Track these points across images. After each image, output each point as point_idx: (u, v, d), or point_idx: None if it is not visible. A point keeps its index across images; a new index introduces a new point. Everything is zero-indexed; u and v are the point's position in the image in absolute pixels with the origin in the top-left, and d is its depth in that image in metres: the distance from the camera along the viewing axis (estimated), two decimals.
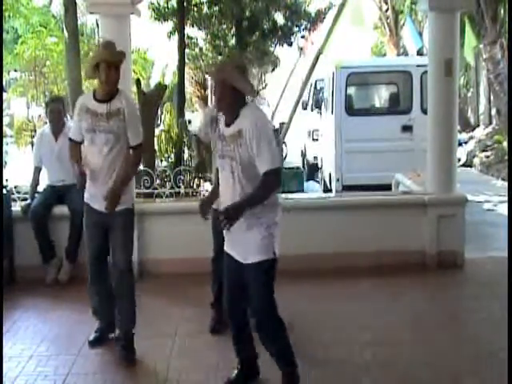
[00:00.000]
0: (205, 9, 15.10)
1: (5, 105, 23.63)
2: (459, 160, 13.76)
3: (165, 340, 4.44)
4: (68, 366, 4.06)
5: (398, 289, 5.53)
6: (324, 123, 11.59)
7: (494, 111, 19.14)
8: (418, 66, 10.10)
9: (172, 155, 8.46)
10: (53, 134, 5.95)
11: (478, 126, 20.46)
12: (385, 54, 24.61)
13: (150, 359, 4.17)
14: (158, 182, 6.99)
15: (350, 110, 10.54)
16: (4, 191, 5.74)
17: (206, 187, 7.78)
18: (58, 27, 21.97)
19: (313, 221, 6.06)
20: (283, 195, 7.41)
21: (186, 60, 13.66)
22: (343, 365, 4.05)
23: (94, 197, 4.12)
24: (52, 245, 5.84)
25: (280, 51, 17.38)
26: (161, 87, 8.48)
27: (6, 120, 22.65)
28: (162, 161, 8.48)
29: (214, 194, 3.72)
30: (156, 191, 6.66)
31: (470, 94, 22.09)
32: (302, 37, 16.44)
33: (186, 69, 13.78)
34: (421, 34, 15.54)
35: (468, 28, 11.94)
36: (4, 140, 14.12)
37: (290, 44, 16.19)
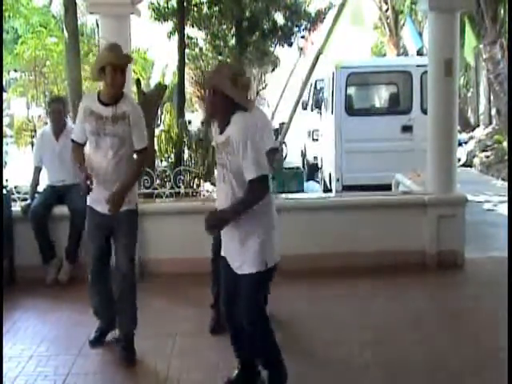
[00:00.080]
0: (205, 9, 15.11)
1: (5, 105, 23.63)
2: (459, 160, 13.76)
3: (165, 340, 4.44)
4: (68, 366, 4.06)
5: (398, 289, 5.54)
6: (324, 123, 11.59)
7: (493, 111, 19.15)
8: (418, 66, 10.10)
9: (172, 155, 8.46)
10: (54, 134, 5.96)
11: (478, 126, 20.46)
12: (385, 54, 24.62)
13: (150, 359, 4.17)
14: (158, 182, 6.98)
15: (350, 110, 10.54)
16: (4, 191, 5.75)
17: (206, 187, 7.79)
18: (57, 27, 21.96)
19: (313, 221, 6.06)
20: (283, 195, 7.44)
21: (186, 60, 13.67)
22: (343, 365, 4.05)
23: (98, 199, 4.10)
24: (52, 245, 5.84)
25: (280, 51, 17.42)
26: (161, 87, 8.48)
27: (6, 120, 22.66)
28: (161, 161, 8.48)
29: None
30: (156, 191, 6.66)
31: (469, 94, 22.10)
32: (302, 37, 16.47)
33: (186, 69, 13.78)
34: (421, 34, 15.54)
35: (468, 28, 11.93)
36: (4, 140, 14.13)
37: (290, 44, 16.21)
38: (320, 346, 4.34)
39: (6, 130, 20.65)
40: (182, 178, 7.08)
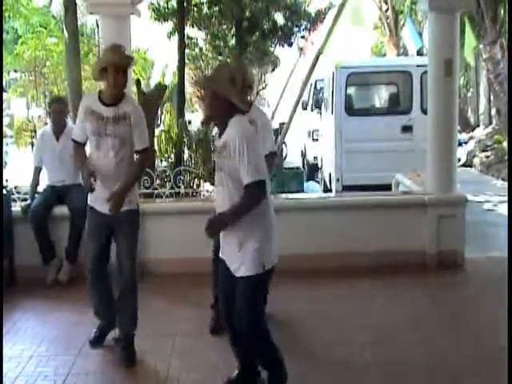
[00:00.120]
0: (205, 9, 15.11)
1: (5, 105, 23.64)
2: (459, 160, 13.76)
3: (165, 340, 4.44)
4: (68, 367, 4.06)
5: (398, 289, 5.53)
6: (324, 123, 11.59)
7: (493, 111, 19.15)
8: (418, 66, 10.10)
9: (172, 155, 8.46)
10: (54, 134, 5.96)
11: (478, 126, 20.46)
12: (385, 54, 24.63)
13: (150, 359, 4.17)
14: (157, 182, 6.98)
15: (350, 110, 10.54)
16: (4, 191, 5.74)
17: (206, 187, 7.79)
18: (57, 27, 21.96)
19: (313, 221, 6.06)
20: (283, 195, 7.44)
21: (186, 60, 13.67)
22: (343, 365, 4.05)
23: (99, 199, 4.10)
24: (52, 245, 5.83)
25: (280, 51, 17.42)
26: (161, 87, 8.49)
27: (6, 120, 22.66)
28: (161, 161, 8.49)
29: None
30: (156, 191, 6.65)
31: (469, 94, 22.11)
32: (302, 37, 16.47)
33: (186, 69, 13.79)
34: (421, 34, 15.55)
35: (468, 28, 11.93)
36: (4, 140, 14.14)
37: (290, 44, 16.20)
38: (320, 346, 4.34)
39: (6, 131, 20.65)
40: (182, 178, 7.08)
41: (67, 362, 4.13)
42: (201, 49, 16.97)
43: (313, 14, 15.97)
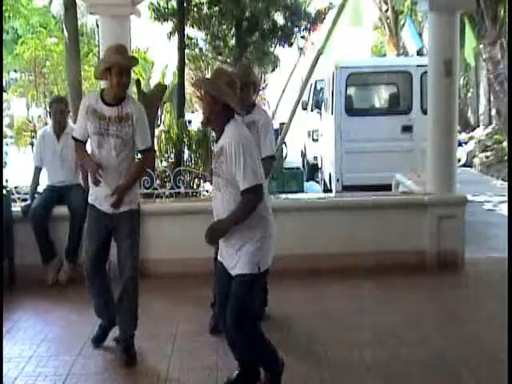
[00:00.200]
0: (205, 9, 15.09)
1: (5, 105, 23.63)
2: (459, 160, 13.77)
3: (165, 340, 4.44)
4: (68, 367, 4.05)
5: (397, 289, 5.54)
6: (324, 123, 11.59)
7: (493, 111, 19.14)
8: (418, 66, 10.09)
9: (172, 155, 8.47)
10: (55, 134, 5.95)
11: (478, 126, 20.45)
12: (385, 54, 24.62)
13: (150, 359, 4.17)
14: (157, 182, 6.99)
15: (350, 110, 10.53)
16: (4, 192, 5.75)
17: (206, 187, 7.79)
18: (57, 28, 21.95)
19: (313, 221, 6.06)
20: (283, 195, 7.44)
21: (186, 60, 13.68)
22: (343, 365, 4.05)
23: (100, 198, 4.11)
24: (52, 245, 5.83)
25: (280, 51, 17.39)
26: (161, 87, 8.51)
27: (6, 120, 22.66)
28: (161, 161, 8.49)
29: None
30: (156, 191, 6.66)
31: (470, 95, 22.09)
32: (302, 37, 16.45)
33: (186, 69, 13.80)
34: (421, 35, 15.57)
35: (468, 28, 11.93)
36: (4, 140, 14.11)
37: (290, 44, 16.19)
38: (320, 345, 4.33)
39: (6, 131, 20.63)
40: (182, 178, 7.08)
41: (67, 362, 4.13)
42: (201, 49, 16.95)
43: (313, 14, 15.96)
